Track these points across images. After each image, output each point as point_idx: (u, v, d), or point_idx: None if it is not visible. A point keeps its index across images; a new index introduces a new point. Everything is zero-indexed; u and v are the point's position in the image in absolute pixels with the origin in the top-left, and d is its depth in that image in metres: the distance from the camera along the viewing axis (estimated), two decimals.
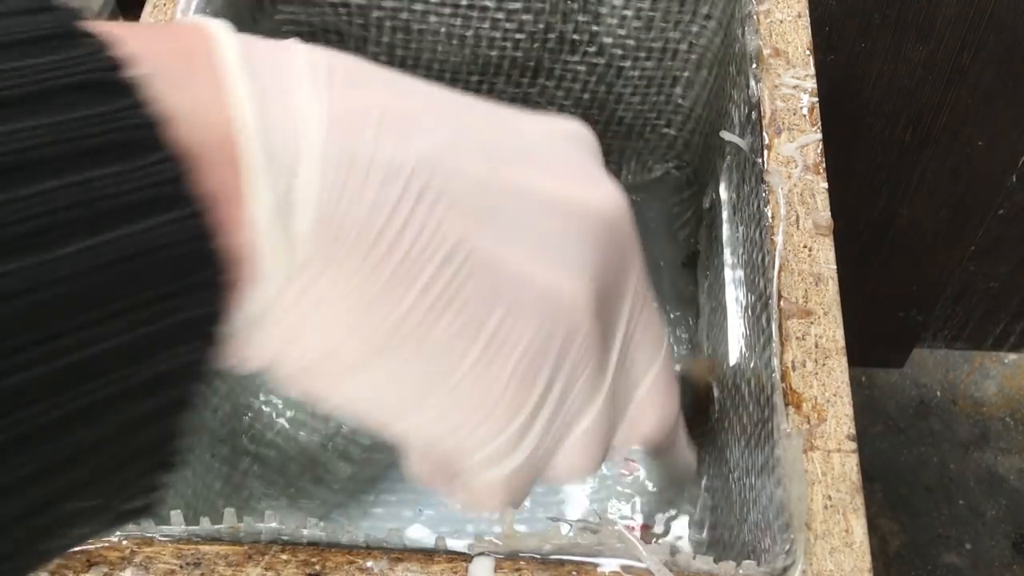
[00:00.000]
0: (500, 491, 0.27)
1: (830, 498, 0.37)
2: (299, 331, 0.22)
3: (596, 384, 0.27)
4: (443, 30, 0.60)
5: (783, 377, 0.40)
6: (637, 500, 0.57)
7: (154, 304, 0.18)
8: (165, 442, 0.21)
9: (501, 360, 0.24)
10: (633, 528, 0.56)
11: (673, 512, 0.56)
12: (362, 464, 0.57)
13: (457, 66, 0.62)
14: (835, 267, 0.43)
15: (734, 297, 0.50)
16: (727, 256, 0.52)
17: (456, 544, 0.36)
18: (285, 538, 0.36)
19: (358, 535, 0.36)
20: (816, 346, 0.41)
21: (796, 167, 0.45)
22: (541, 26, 0.60)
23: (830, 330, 0.41)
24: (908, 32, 0.75)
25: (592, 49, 0.62)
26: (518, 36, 0.61)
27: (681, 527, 0.56)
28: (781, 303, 0.42)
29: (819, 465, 0.38)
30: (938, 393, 1.22)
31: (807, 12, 0.51)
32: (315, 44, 0.23)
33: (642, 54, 0.62)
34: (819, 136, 0.46)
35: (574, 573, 0.35)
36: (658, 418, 0.31)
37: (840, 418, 0.39)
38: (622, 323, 0.28)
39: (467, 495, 0.28)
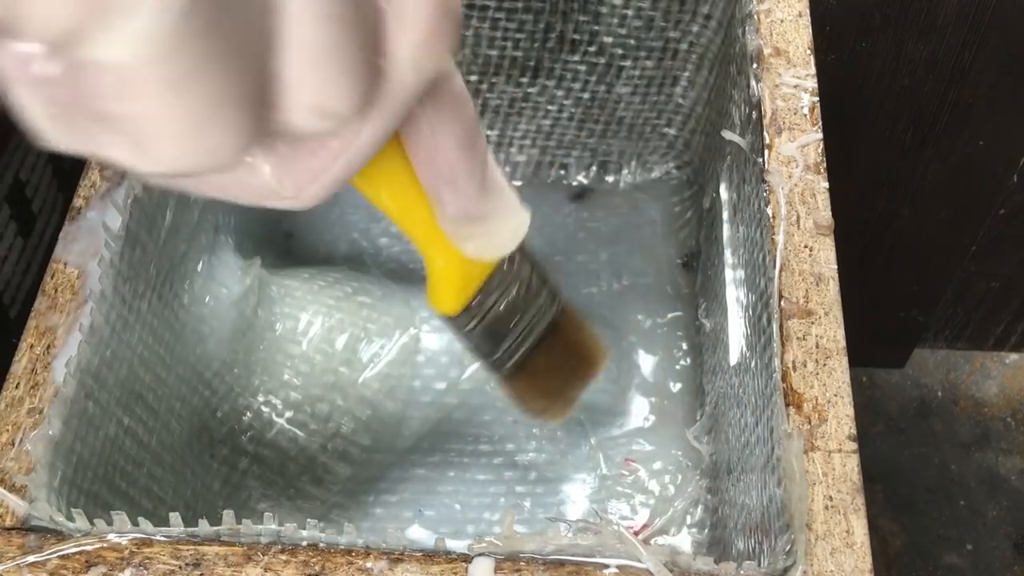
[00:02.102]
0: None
1: (831, 499, 0.37)
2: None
3: None
4: None
5: (783, 377, 0.40)
6: (637, 500, 0.57)
7: None
8: None
9: None
10: (633, 528, 0.56)
11: (673, 516, 0.56)
12: (362, 465, 0.57)
13: (457, 66, 0.62)
14: (836, 267, 0.43)
15: (734, 297, 0.50)
16: (727, 256, 0.52)
17: (456, 544, 0.36)
18: (284, 539, 0.36)
19: (358, 536, 0.36)
20: (817, 346, 0.41)
21: (797, 167, 0.45)
22: (541, 26, 0.60)
23: (831, 330, 0.41)
24: (909, 31, 0.75)
25: (592, 49, 0.62)
26: (518, 36, 0.61)
27: (681, 527, 0.56)
28: (782, 303, 0.42)
29: (820, 465, 0.38)
30: (939, 393, 1.22)
31: (808, 11, 0.51)
32: None
33: (642, 54, 0.62)
34: (820, 136, 0.46)
35: (574, 573, 0.35)
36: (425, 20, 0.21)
37: (841, 418, 0.39)
38: None
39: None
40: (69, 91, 0.18)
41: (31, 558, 0.36)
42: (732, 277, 0.51)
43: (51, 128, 0.19)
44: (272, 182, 0.22)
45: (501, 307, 0.32)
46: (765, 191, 0.45)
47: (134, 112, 0.18)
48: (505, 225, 0.29)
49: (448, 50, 0.23)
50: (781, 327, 0.41)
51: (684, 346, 0.62)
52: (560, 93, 0.64)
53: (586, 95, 0.64)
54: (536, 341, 0.35)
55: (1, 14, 0.16)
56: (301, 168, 0.22)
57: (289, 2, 0.18)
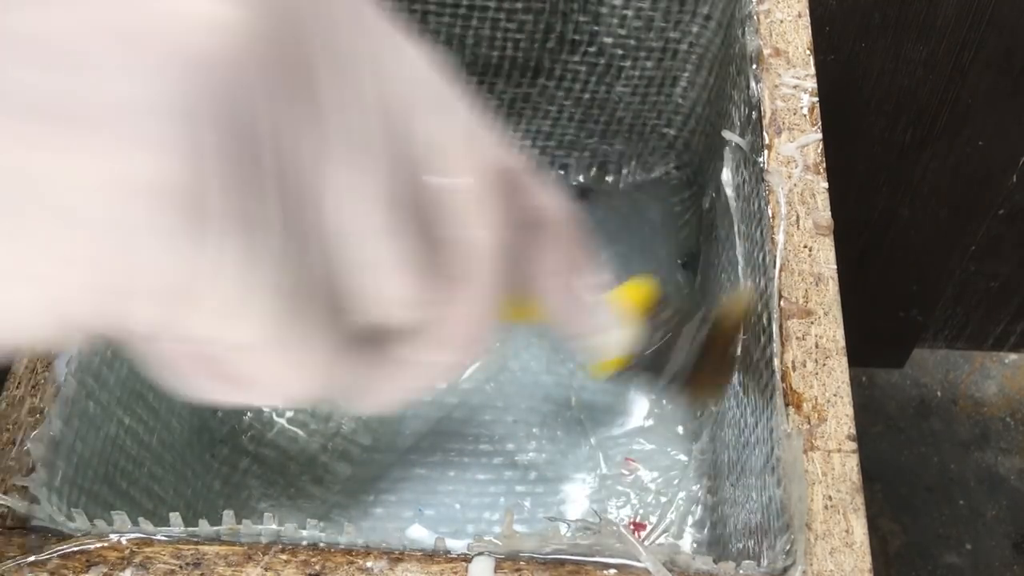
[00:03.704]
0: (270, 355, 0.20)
1: (830, 498, 0.37)
2: None
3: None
4: (443, 31, 0.60)
5: (783, 377, 0.40)
6: (636, 500, 0.57)
7: None
8: None
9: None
10: (632, 526, 0.56)
11: (672, 516, 0.56)
12: (362, 464, 0.57)
13: (457, 67, 0.62)
14: (835, 267, 0.43)
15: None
16: (727, 256, 0.52)
17: (456, 544, 0.36)
18: (285, 539, 0.36)
19: (358, 535, 0.36)
20: (816, 346, 0.41)
21: (796, 167, 0.45)
22: (541, 26, 0.60)
23: (830, 330, 0.41)
24: (908, 32, 0.75)
25: (592, 49, 0.62)
26: (518, 36, 0.61)
27: (681, 527, 0.56)
28: (781, 303, 0.42)
29: (819, 465, 0.38)
30: (938, 393, 1.22)
31: (807, 12, 0.51)
32: None
33: (642, 54, 0.62)
34: (819, 136, 0.46)
35: (574, 573, 0.35)
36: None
37: (840, 418, 0.39)
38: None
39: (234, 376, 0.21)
40: (223, 370, 0.21)
41: (32, 557, 0.36)
42: (732, 277, 0.51)
43: (209, 393, 0.22)
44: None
45: (648, 354, 0.36)
46: (765, 191, 0.45)
47: (260, 371, 0.21)
48: (611, 339, 0.33)
49: (498, 214, 0.23)
50: (781, 327, 0.41)
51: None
52: (560, 94, 0.64)
53: (586, 95, 0.64)
54: (684, 367, 0.39)
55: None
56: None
57: (352, 237, 0.20)
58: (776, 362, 0.40)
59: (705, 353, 0.38)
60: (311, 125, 0.19)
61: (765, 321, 0.42)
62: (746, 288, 0.43)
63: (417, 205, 0.21)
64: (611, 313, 0.33)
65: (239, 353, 0.20)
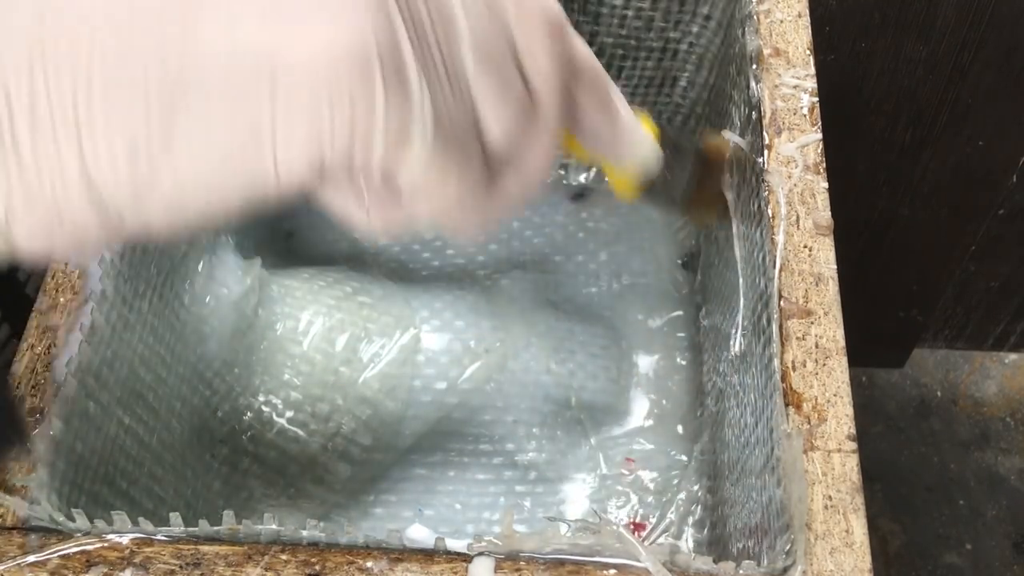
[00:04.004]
0: (427, 174, 0.25)
1: (830, 498, 0.37)
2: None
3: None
4: None
5: (783, 377, 0.40)
6: (636, 500, 0.57)
7: None
8: None
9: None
10: (632, 526, 0.56)
11: (672, 517, 0.56)
12: (362, 465, 0.57)
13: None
14: (835, 267, 0.43)
15: (734, 297, 0.50)
16: (727, 256, 0.52)
17: (456, 544, 0.36)
18: (285, 538, 0.36)
19: (358, 535, 0.36)
20: (816, 346, 0.41)
21: (796, 167, 0.45)
22: None
23: (830, 330, 0.41)
24: (908, 32, 0.75)
25: (592, 49, 0.62)
26: None
27: (681, 527, 0.56)
28: (781, 303, 0.42)
29: (819, 465, 0.38)
30: (938, 393, 1.22)
31: (807, 12, 0.51)
32: None
33: (642, 54, 0.62)
34: (819, 136, 0.46)
35: (574, 573, 0.35)
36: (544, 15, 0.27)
37: (840, 418, 0.39)
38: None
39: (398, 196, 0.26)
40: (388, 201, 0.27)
41: (32, 557, 0.36)
42: (732, 277, 0.51)
43: (389, 226, 0.28)
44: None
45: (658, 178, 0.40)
46: (765, 191, 0.45)
47: (430, 192, 0.26)
48: (642, 150, 0.36)
49: (564, 46, 0.28)
50: (781, 327, 0.41)
51: (684, 346, 0.62)
52: None
53: None
54: (688, 185, 0.44)
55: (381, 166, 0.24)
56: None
57: (473, 82, 0.25)
58: (776, 362, 0.40)
59: (700, 179, 0.43)
60: None
61: (765, 321, 0.43)
62: (726, 139, 0.47)
63: (501, 53, 0.26)
64: (644, 131, 0.36)
65: (415, 180, 0.25)
